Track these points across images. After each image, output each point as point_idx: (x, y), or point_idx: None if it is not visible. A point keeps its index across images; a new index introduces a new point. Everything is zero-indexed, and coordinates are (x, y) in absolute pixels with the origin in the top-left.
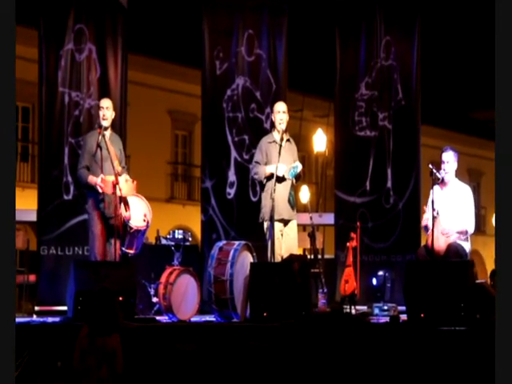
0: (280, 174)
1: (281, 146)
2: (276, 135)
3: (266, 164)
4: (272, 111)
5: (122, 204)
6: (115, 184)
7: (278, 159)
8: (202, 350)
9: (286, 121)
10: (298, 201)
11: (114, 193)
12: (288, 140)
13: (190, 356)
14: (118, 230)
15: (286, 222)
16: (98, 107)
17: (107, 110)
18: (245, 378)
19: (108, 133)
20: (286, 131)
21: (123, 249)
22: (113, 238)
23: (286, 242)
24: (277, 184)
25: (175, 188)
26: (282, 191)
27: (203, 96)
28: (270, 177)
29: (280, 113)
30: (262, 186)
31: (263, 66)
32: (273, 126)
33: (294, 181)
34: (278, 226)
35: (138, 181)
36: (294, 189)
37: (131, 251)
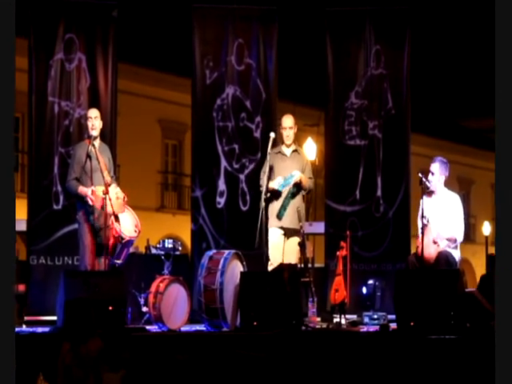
0: (275, 187)
1: (284, 155)
2: (284, 147)
3: (270, 175)
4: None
5: (113, 216)
6: (105, 193)
7: (281, 171)
8: (193, 360)
9: (294, 134)
10: None
11: (103, 207)
12: (295, 150)
13: (180, 366)
14: (107, 243)
15: (290, 234)
16: (86, 118)
17: (95, 120)
18: None
19: (97, 143)
20: (292, 143)
21: (113, 260)
22: (103, 251)
23: (286, 254)
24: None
25: (165, 197)
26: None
27: (193, 105)
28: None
29: (286, 129)
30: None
31: (253, 75)
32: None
33: (302, 191)
34: (278, 233)
35: (128, 190)
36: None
37: (119, 261)
